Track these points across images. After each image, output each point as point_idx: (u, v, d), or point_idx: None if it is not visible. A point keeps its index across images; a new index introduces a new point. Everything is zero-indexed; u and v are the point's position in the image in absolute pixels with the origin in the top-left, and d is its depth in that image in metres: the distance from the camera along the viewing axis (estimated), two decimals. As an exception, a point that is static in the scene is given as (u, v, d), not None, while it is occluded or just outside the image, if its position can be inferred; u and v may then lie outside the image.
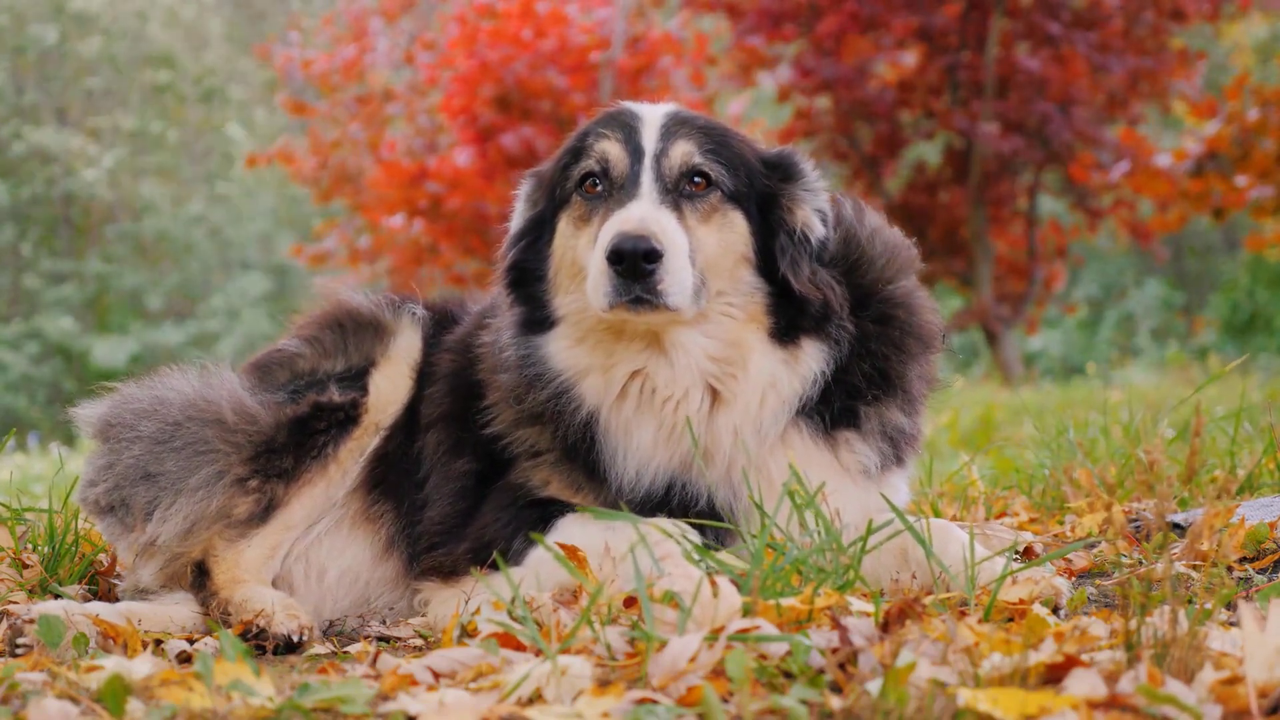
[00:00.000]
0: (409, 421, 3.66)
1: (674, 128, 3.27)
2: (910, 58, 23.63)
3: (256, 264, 39.96)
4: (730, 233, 3.23)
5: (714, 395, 3.26)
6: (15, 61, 39.06)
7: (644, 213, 3.09)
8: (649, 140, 3.25)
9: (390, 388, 3.66)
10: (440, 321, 3.83)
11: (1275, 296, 29.46)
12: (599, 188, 3.26)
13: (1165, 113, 25.19)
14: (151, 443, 3.54)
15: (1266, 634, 2.16)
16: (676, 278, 3.05)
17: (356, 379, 3.65)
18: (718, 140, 3.29)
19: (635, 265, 3.00)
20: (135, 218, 39.66)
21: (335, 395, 3.60)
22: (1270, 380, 16.06)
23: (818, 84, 23.35)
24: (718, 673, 2.27)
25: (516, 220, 3.50)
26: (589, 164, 3.28)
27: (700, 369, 3.24)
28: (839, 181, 24.23)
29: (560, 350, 3.32)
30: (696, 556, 2.85)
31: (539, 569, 3.16)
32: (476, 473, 3.51)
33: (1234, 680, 2.14)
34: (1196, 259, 38.48)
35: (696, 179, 3.22)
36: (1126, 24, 22.99)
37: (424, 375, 3.70)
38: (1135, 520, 4.19)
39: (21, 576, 3.72)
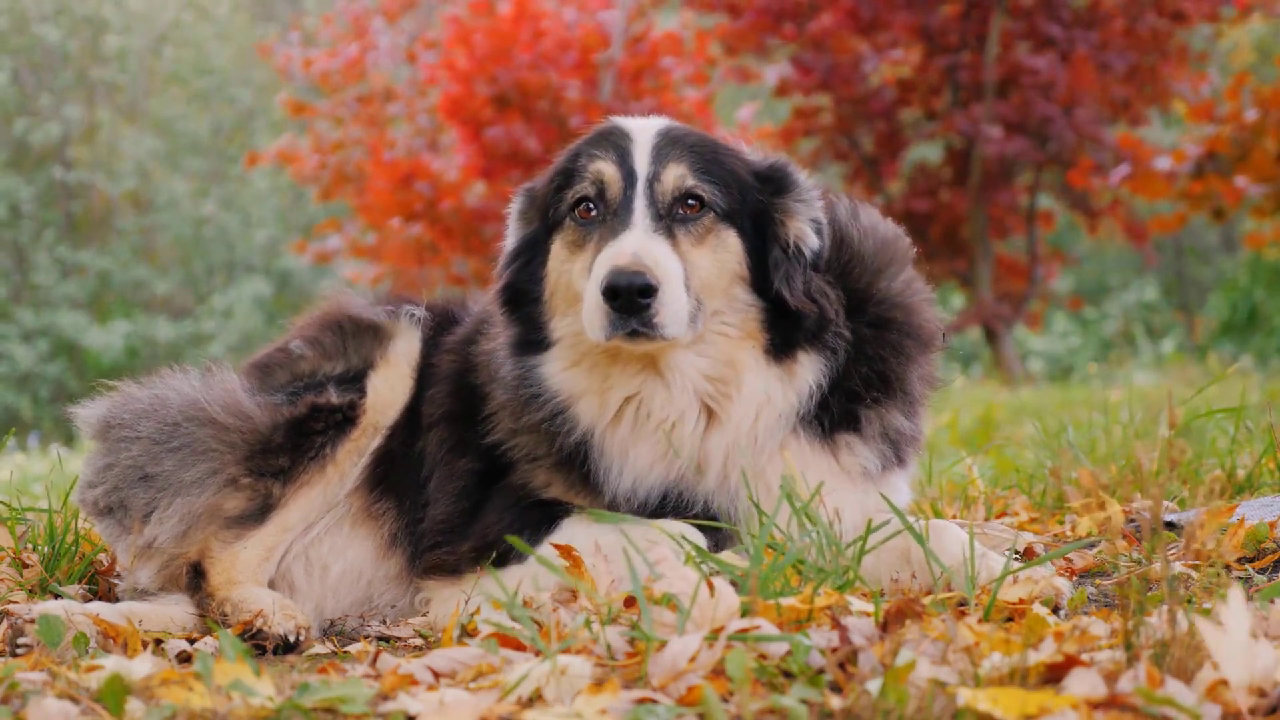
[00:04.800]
0: (410, 421, 3.66)
1: (666, 149, 3.23)
2: (899, 53, 23.57)
3: (260, 267, 39.98)
4: (724, 253, 3.21)
5: (709, 414, 3.26)
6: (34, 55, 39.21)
7: (638, 245, 3.06)
8: (641, 163, 3.21)
9: (388, 390, 3.66)
10: (441, 322, 3.83)
11: (1275, 296, 29.43)
12: (593, 212, 3.23)
13: (1166, 113, 25.18)
14: (149, 443, 3.54)
15: (1228, 632, 2.15)
16: (672, 309, 3.04)
17: (355, 381, 3.65)
18: (710, 159, 3.25)
19: (631, 301, 2.99)
20: (143, 213, 39.72)
21: (333, 397, 3.60)
22: (1270, 380, 16.06)
23: (816, 82, 23.34)
24: (718, 672, 2.27)
25: (510, 239, 3.48)
26: (583, 188, 3.25)
27: (696, 390, 3.23)
28: (839, 182, 24.26)
29: (556, 373, 3.31)
30: (697, 558, 2.85)
31: (539, 569, 3.16)
32: (479, 472, 3.51)
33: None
34: (1196, 259, 38.48)
35: (690, 202, 3.19)
36: (1128, 24, 22.99)
37: (424, 376, 3.71)
38: (1134, 520, 4.19)
39: (21, 576, 3.72)
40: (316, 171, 26.93)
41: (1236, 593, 2.21)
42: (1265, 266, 29.18)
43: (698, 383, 3.23)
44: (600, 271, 3.05)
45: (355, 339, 3.72)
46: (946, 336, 3.55)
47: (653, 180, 3.19)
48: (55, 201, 39.54)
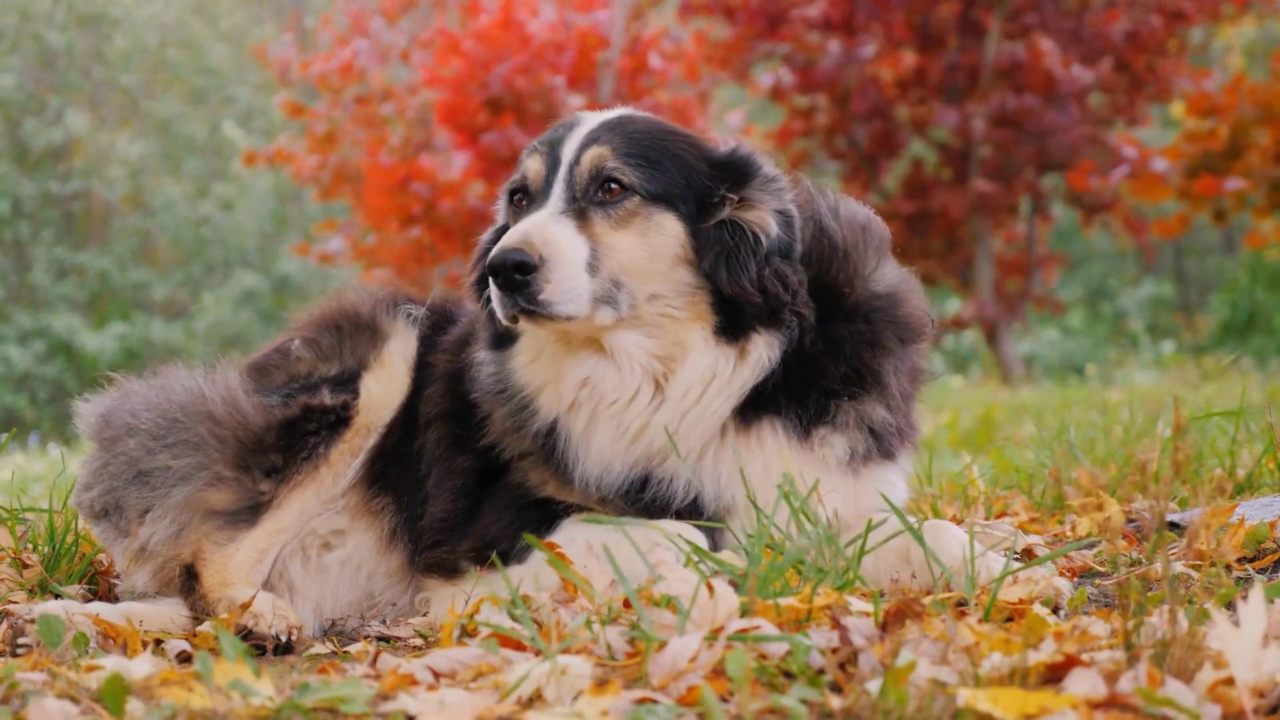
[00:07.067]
0: (409, 418, 3.67)
1: (597, 134, 3.26)
2: (872, 50, 23.58)
3: (256, 266, 39.99)
4: (658, 236, 3.20)
5: (660, 391, 3.27)
6: (40, 57, 39.24)
7: (531, 225, 3.11)
8: (568, 150, 3.25)
9: (382, 391, 3.66)
10: (440, 321, 3.83)
11: (1275, 296, 29.44)
12: (524, 202, 3.31)
13: (1165, 103, 25.18)
14: (147, 438, 3.54)
15: (1243, 631, 2.15)
16: (561, 286, 3.05)
17: (349, 382, 3.65)
18: (647, 144, 3.25)
19: (509, 278, 3.04)
20: (143, 215, 39.74)
21: (326, 398, 3.60)
22: (1270, 380, 16.07)
23: (811, 81, 23.37)
24: (718, 672, 2.27)
25: (486, 233, 3.54)
26: (515, 179, 3.34)
27: (646, 369, 3.24)
28: (836, 180, 24.27)
29: (520, 367, 3.36)
30: (695, 558, 2.85)
31: (540, 569, 3.16)
32: (477, 470, 3.51)
33: (1232, 680, 2.14)
34: (1196, 259, 38.50)
35: (611, 185, 3.20)
36: (1132, 25, 23.01)
37: (421, 375, 3.71)
38: (1134, 520, 4.19)
39: (21, 576, 3.73)
40: (316, 172, 26.93)
41: (1257, 593, 2.21)
42: (1265, 266, 29.19)
43: (646, 362, 3.24)
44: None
45: (352, 339, 3.72)
46: (934, 324, 3.52)
47: (574, 165, 3.23)
48: (54, 202, 39.56)
